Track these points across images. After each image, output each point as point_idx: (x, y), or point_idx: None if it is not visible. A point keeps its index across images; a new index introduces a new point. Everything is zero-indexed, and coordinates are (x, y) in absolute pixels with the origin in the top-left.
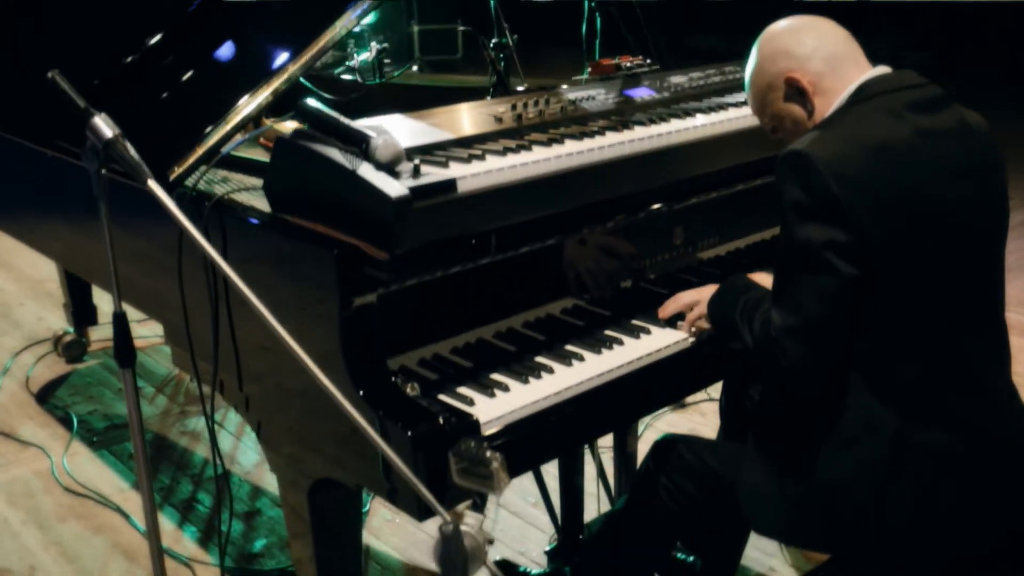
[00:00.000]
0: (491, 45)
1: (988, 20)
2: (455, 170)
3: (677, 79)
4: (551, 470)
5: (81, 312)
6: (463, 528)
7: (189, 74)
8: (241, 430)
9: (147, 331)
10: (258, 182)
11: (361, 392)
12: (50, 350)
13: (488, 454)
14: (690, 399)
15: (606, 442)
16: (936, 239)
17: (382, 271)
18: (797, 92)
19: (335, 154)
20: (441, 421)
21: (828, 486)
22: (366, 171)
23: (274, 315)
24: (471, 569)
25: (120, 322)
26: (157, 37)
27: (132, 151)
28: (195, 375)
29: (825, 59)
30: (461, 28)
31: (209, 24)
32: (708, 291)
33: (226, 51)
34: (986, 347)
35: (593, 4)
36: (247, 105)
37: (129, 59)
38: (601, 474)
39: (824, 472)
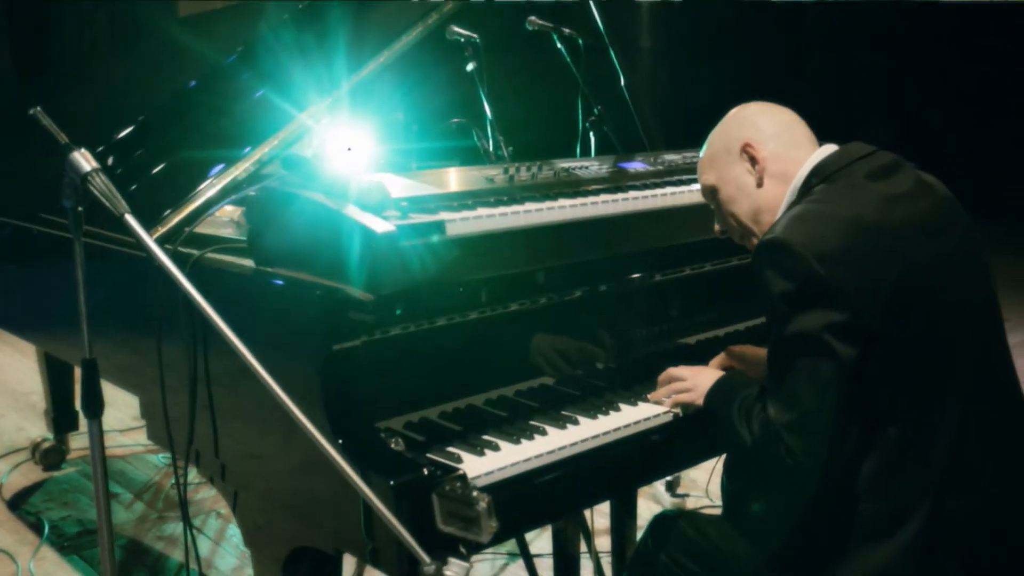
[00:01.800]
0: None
1: None
2: (444, 216)
3: (671, 156)
4: None
5: (62, 418)
6: (447, 573)
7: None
8: (221, 535)
9: (128, 440)
10: (231, 258)
11: (341, 441)
12: (27, 458)
13: (475, 494)
14: (691, 504)
15: (604, 546)
16: (929, 300)
17: (366, 314)
18: (750, 160)
19: (320, 196)
20: (426, 472)
21: None
22: (351, 211)
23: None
24: None
25: (89, 369)
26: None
27: (110, 184)
28: (170, 445)
29: (784, 144)
30: (455, 121)
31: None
32: (702, 377)
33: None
34: (1001, 395)
35: (587, 125)
36: (226, 176)
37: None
38: (599, 573)
39: (856, 571)
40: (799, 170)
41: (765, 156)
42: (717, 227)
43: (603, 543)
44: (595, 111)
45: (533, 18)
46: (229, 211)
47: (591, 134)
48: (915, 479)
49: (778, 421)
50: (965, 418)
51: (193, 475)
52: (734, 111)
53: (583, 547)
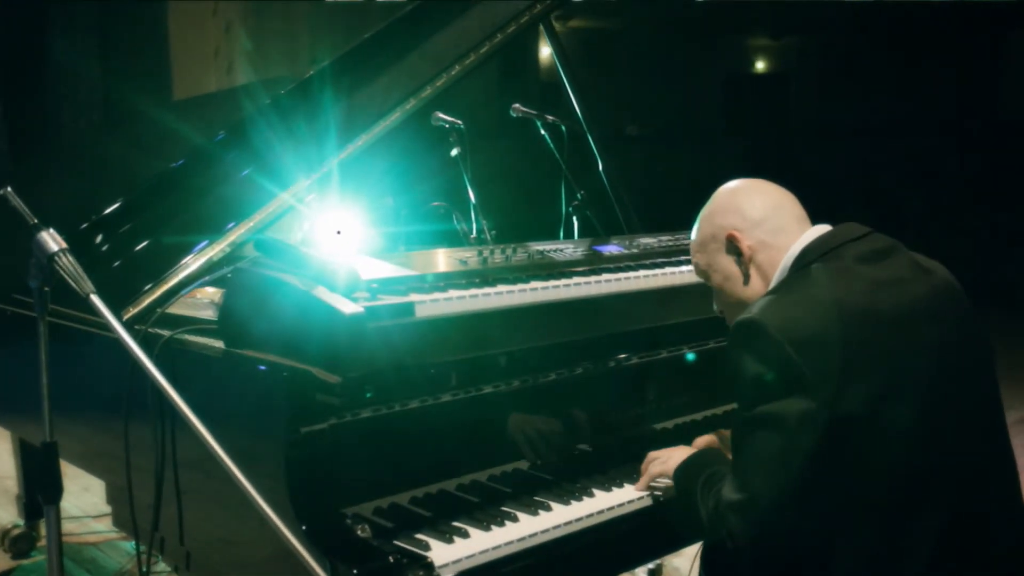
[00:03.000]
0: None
1: None
2: (415, 297)
3: (646, 240)
4: None
5: (34, 504)
6: None
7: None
8: None
9: (102, 526)
10: (202, 339)
11: (304, 527)
12: None
13: None
14: None
15: None
16: (916, 389)
17: (334, 396)
18: (735, 251)
19: (290, 279)
20: (391, 560)
21: None
22: (320, 292)
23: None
24: None
25: (49, 452)
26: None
27: (76, 265)
28: (134, 532)
29: (771, 231)
30: (435, 204)
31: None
32: (678, 452)
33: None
34: (997, 491)
35: (571, 209)
36: (202, 256)
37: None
38: None
39: None
40: (786, 256)
41: (751, 246)
42: (715, 306)
43: None
44: (578, 196)
45: (517, 105)
46: (210, 292)
47: (574, 218)
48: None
49: (726, 500)
50: (955, 513)
51: (164, 564)
52: (722, 192)
53: None
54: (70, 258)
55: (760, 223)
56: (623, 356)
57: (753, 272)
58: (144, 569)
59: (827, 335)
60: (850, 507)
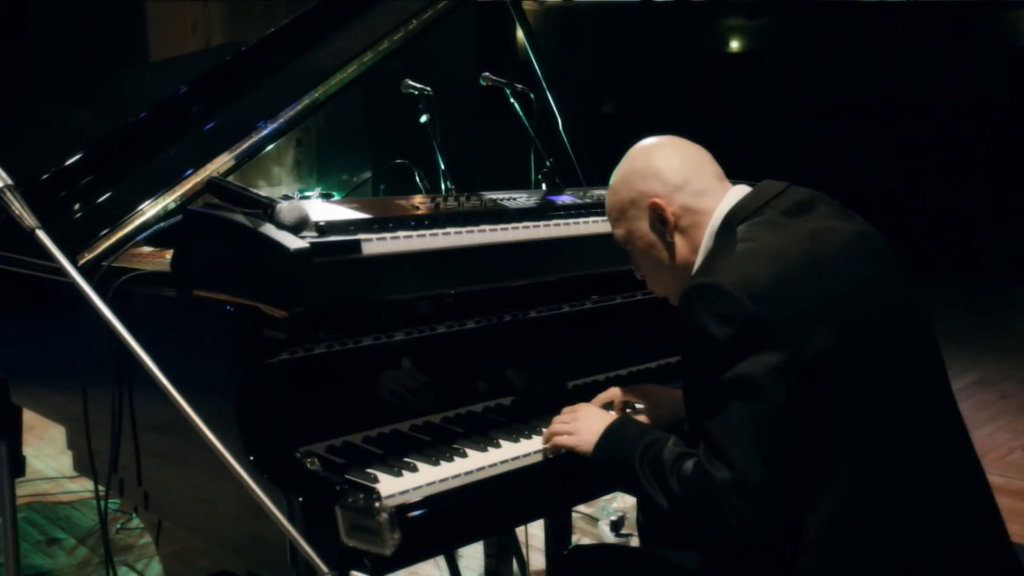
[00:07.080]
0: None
1: None
2: (362, 236)
3: (600, 191)
4: None
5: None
6: None
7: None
8: None
9: (77, 486)
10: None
11: (252, 458)
12: None
13: (376, 505)
14: (635, 544)
15: None
16: (865, 324)
17: (280, 331)
18: (659, 219)
19: (239, 218)
20: (337, 489)
21: None
22: (267, 230)
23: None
24: None
25: None
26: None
27: (21, 201)
28: (93, 474)
29: (693, 193)
30: (398, 161)
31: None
32: (583, 422)
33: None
34: (946, 421)
35: (540, 176)
36: (157, 204)
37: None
38: None
39: None
40: (711, 219)
41: (674, 212)
42: (638, 273)
43: None
44: (547, 163)
45: (487, 74)
46: None
47: (543, 185)
48: (874, 521)
49: (728, 480)
50: (915, 451)
51: (139, 521)
52: (637, 153)
53: None
54: (15, 193)
55: (681, 187)
56: (576, 302)
57: (678, 239)
58: (99, 515)
59: (782, 284)
60: (823, 452)
